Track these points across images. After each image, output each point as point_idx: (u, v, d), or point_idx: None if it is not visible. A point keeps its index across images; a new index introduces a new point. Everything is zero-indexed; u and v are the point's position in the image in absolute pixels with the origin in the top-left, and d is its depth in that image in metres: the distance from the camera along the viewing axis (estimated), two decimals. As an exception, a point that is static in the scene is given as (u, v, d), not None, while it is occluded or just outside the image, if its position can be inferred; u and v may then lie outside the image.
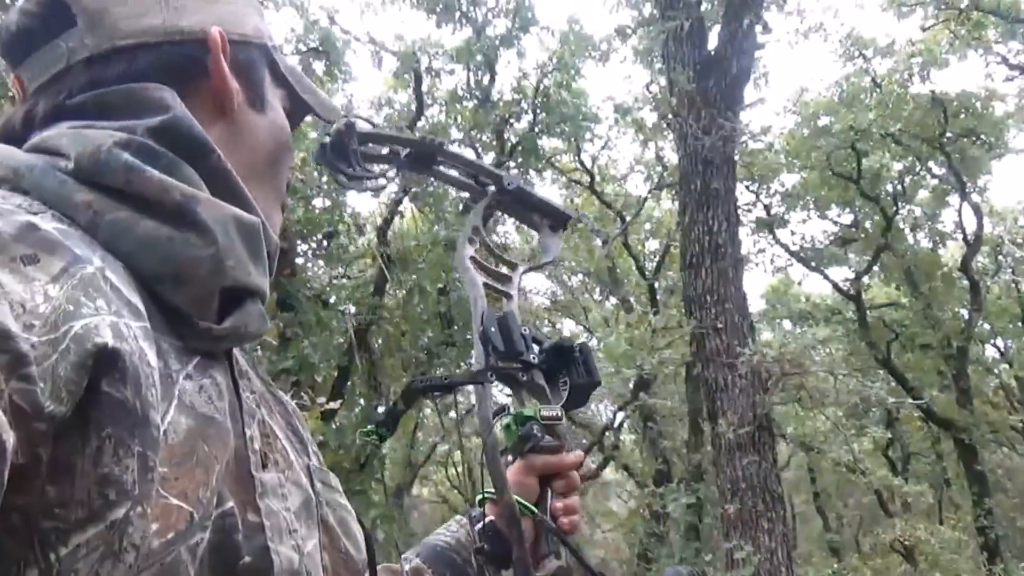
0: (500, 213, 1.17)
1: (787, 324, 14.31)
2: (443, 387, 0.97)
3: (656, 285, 13.67)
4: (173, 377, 0.61)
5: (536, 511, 0.96)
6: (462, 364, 11.28)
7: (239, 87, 0.76)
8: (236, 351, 0.74)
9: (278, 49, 0.82)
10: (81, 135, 0.65)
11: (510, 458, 1.00)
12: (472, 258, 1.06)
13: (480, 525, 0.98)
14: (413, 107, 10.37)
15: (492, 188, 1.14)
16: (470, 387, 0.98)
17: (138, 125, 0.66)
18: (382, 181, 1.07)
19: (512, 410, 0.99)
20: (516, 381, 0.99)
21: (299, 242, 9.62)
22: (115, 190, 0.63)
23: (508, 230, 13.25)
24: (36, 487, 0.51)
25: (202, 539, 0.58)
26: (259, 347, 6.66)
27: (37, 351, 0.50)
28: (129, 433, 0.54)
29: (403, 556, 1.02)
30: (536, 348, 1.02)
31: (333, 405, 6.97)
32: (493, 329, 0.98)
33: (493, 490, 0.96)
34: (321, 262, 10.41)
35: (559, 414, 0.99)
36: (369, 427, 1.01)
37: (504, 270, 1.10)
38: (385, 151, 1.09)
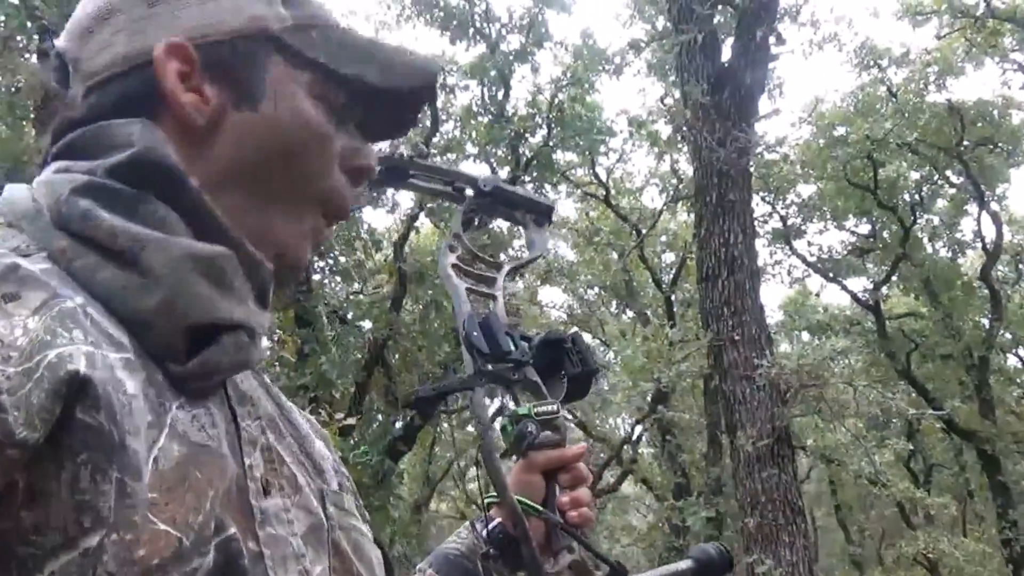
0: (484, 216, 1.15)
1: (805, 336, 14.21)
2: (434, 398, 0.98)
3: (673, 298, 13.64)
4: (166, 406, 0.61)
5: (540, 508, 0.96)
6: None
7: (217, 91, 0.70)
8: (244, 377, 0.74)
9: (310, 26, 0.73)
10: (50, 183, 0.67)
11: (514, 459, 1.00)
12: (454, 265, 1.05)
13: (487, 530, 0.98)
14: (428, 123, 10.44)
15: (470, 192, 1.13)
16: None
17: (99, 166, 0.66)
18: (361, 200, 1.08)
19: (507, 411, 0.99)
20: (508, 381, 0.99)
21: (316, 259, 9.69)
22: (82, 236, 0.64)
23: (524, 244, 13.26)
24: (13, 513, 0.53)
25: (201, 564, 0.58)
26: (277, 363, 6.70)
27: (12, 381, 0.52)
28: (106, 459, 0.55)
29: (416, 568, 1.02)
30: (525, 345, 1.01)
31: (351, 421, 6.99)
32: (476, 333, 0.97)
33: (496, 493, 0.96)
34: (338, 278, 10.48)
35: (555, 408, 0.98)
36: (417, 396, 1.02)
37: (489, 272, 1.09)
38: None
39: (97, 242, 0.63)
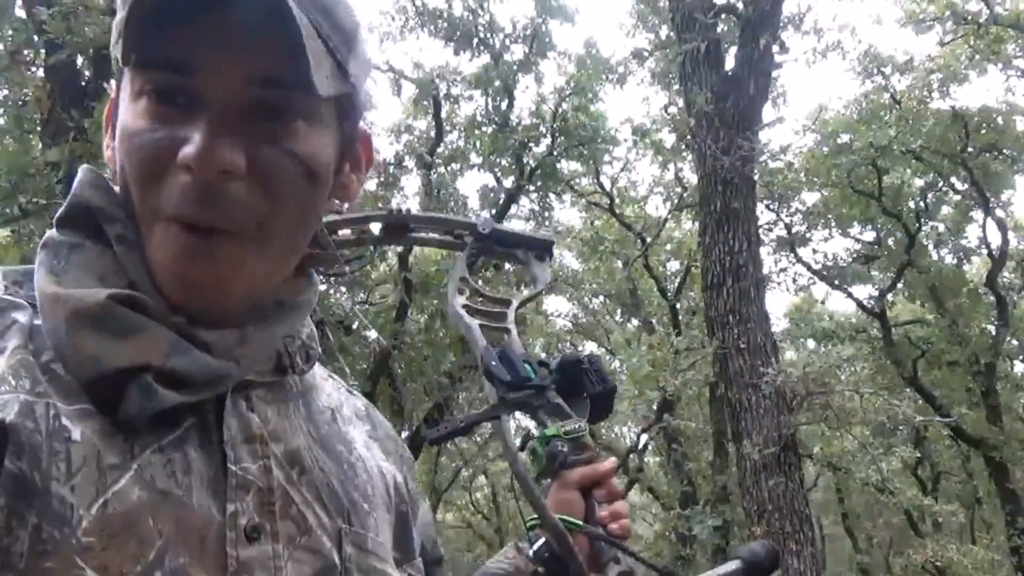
0: (486, 259, 1.17)
1: (811, 343, 14.18)
2: (461, 431, 0.99)
3: (678, 306, 13.63)
4: (135, 451, 0.61)
5: (581, 523, 0.96)
6: (485, 387, 11.28)
7: (111, 134, 0.72)
8: (279, 406, 0.73)
9: (128, 31, 0.63)
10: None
11: (548, 481, 1.01)
12: (465, 306, 1.07)
13: (534, 548, 0.98)
14: (433, 133, 10.48)
15: (469, 238, 1.15)
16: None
17: (57, 217, 0.70)
18: (362, 262, 1.10)
19: (536, 435, 0.99)
20: (532, 407, 1.00)
21: (321, 269, 9.70)
22: None
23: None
24: None
25: None
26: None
27: None
28: (25, 504, 0.55)
29: None
30: (544, 370, 1.02)
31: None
32: (494, 363, 0.98)
33: (536, 515, 0.97)
34: (343, 288, 10.49)
35: (582, 426, 0.99)
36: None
37: (498, 308, 1.11)
38: (353, 235, 1.13)
39: None
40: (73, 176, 0.74)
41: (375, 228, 1.13)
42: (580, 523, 0.96)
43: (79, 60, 6.14)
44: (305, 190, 0.68)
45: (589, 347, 17.18)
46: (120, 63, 0.65)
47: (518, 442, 1.03)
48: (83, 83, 6.19)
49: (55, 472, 0.57)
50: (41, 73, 6.45)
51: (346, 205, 0.83)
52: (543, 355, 1.06)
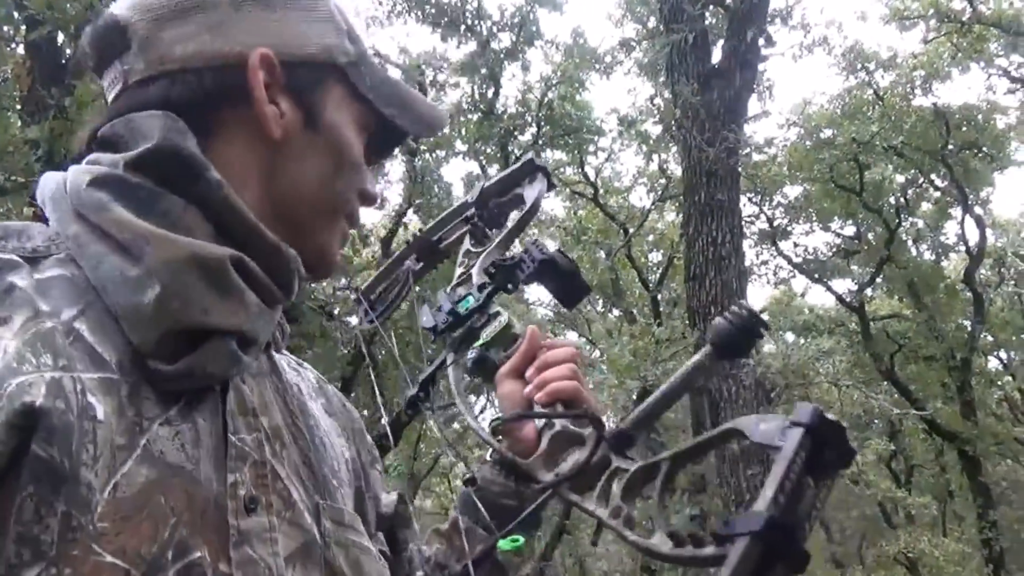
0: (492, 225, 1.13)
1: (790, 336, 14.30)
2: (423, 391, 0.98)
3: (659, 297, 13.69)
4: (143, 426, 0.61)
5: (500, 416, 0.95)
6: (464, 377, 11.29)
7: (292, 108, 0.74)
8: (260, 382, 0.73)
9: (364, 64, 0.80)
10: (76, 172, 0.69)
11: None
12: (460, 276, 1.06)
13: (486, 467, 0.99)
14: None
15: (471, 211, 1.13)
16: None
17: (121, 159, 0.68)
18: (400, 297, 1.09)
19: (469, 357, 0.99)
20: (474, 330, 0.98)
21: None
22: (96, 226, 0.65)
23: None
24: None
25: None
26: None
27: None
28: (54, 492, 0.54)
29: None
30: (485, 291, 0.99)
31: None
32: (425, 318, 1.00)
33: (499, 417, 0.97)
34: (326, 273, 10.45)
35: (501, 320, 0.97)
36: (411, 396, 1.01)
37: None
38: (394, 283, 1.12)
39: (106, 232, 0.64)
40: (53, 154, 0.73)
41: (409, 265, 1.13)
42: (500, 415, 0.95)
43: (60, 37, 6.04)
44: None
45: (570, 336, 17.24)
46: (356, 86, 0.79)
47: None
48: (64, 60, 6.09)
49: (84, 456, 0.56)
50: (21, 50, 6.35)
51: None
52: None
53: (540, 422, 0.91)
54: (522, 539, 0.91)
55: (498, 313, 0.99)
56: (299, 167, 0.75)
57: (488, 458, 1.00)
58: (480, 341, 0.97)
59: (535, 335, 0.98)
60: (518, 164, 1.15)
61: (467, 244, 1.10)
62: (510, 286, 1.00)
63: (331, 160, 0.77)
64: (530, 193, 1.11)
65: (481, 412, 17.51)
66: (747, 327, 0.74)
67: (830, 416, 0.61)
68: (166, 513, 0.59)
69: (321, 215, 0.78)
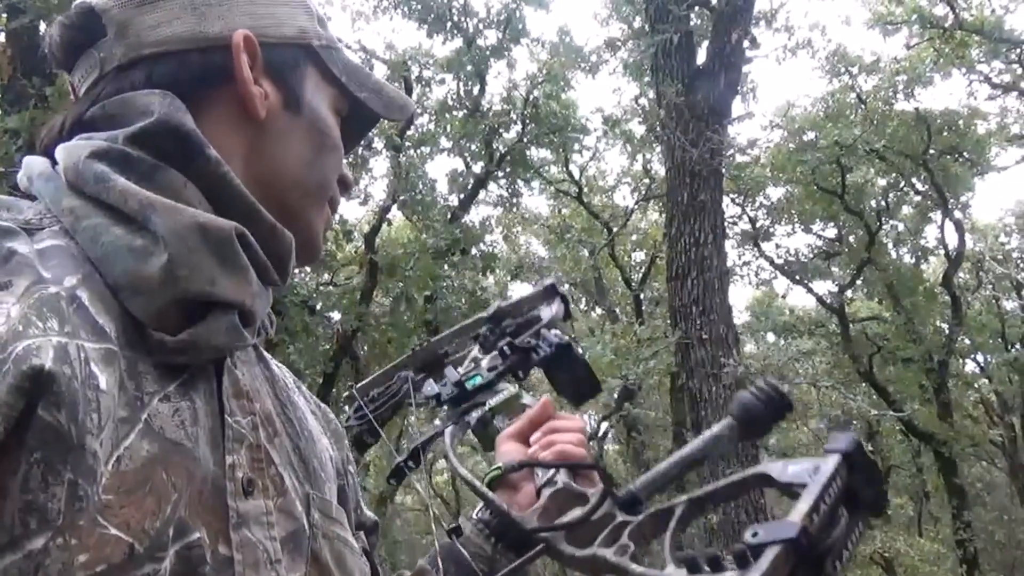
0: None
1: (771, 336, 14.40)
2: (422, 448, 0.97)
3: (642, 296, 13.74)
4: (144, 400, 0.60)
5: (499, 467, 0.94)
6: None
7: (273, 90, 0.75)
8: (249, 370, 0.73)
9: (334, 48, 0.80)
10: (70, 147, 0.68)
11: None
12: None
13: (478, 517, 0.97)
14: (403, 115, 10.40)
15: (485, 328, 1.10)
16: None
17: (119, 134, 0.67)
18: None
19: (473, 423, 0.99)
20: (479, 404, 0.98)
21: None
22: (94, 198, 0.64)
23: (496, 239, 13.30)
24: None
25: (156, 571, 0.56)
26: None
27: None
28: (61, 460, 0.53)
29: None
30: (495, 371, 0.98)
31: (329, 410, 6.98)
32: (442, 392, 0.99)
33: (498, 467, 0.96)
34: (308, 268, 10.41)
35: (509, 390, 0.98)
36: (396, 465, 0.99)
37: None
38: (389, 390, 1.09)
39: (108, 203, 0.64)
40: (34, 144, 0.72)
41: (409, 375, 1.08)
42: (499, 466, 0.93)
43: (42, 26, 5.99)
44: None
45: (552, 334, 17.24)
46: (329, 68, 0.79)
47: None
48: (46, 49, 6.04)
49: (89, 424, 0.55)
50: (2, 38, 6.29)
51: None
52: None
53: (541, 479, 0.89)
54: None
55: (508, 392, 0.98)
56: (282, 148, 0.75)
57: (474, 515, 0.98)
58: (488, 407, 0.97)
59: (548, 404, 0.99)
60: (539, 288, 1.12)
61: (475, 352, 1.07)
62: (521, 373, 0.99)
63: (312, 142, 0.77)
64: (546, 313, 1.08)
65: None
66: (774, 405, 0.68)
67: (868, 450, 0.58)
68: (168, 489, 0.58)
69: (306, 197, 0.78)
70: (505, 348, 0.99)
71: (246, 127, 0.73)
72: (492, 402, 0.97)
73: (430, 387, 1.00)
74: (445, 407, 1.00)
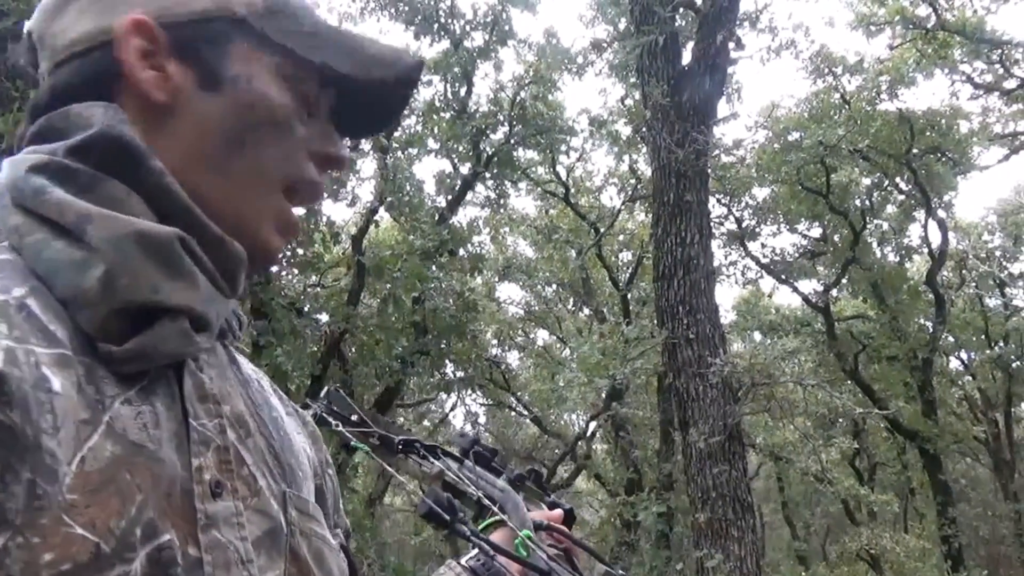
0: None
1: (757, 335, 14.48)
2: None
3: (629, 296, 13.79)
4: (105, 403, 0.59)
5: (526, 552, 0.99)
6: (436, 372, 11.30)
7: (182, 70, 0.70)
8: (218, 374, 0.72)
9: (279, 11, 0.73)
10: (13, 162, 0.67)
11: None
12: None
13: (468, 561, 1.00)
14: (390, 117, 10.40)
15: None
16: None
17: (60, 147, 0.65)
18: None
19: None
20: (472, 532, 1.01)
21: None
22: (36, 213, 0.63)
23: (484, 240, 13.31)
24: None
25: (126, 572, 0.56)
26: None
27: None
28: (18, 459, 0.53)
29: None
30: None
31: (306, 414, 6.96)
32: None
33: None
34: (295, 270, 10.40)
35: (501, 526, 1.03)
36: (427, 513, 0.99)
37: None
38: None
39: (48, 218, 0.63)
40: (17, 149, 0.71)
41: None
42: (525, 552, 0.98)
43: (26, 27, 5.96)
44: None
45: (541, 335, 17.26)
46: (268, 36, 0.72)
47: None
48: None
49: (44, 424, 0.55)
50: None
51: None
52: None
53: None
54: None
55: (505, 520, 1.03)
56: (198, 132, 0.70)
57: (464, 562, 0.99)
58: (470, 558, 1.00)
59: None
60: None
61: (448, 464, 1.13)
62: None
63: (240, 119, 0.70)
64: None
65: (452, 409, 17.45)
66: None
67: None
68: (133, 490, 0.58)
69: (240, 188, 0.70)
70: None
71: (152, 119, 0.69)
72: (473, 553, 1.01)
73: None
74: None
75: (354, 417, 1.12)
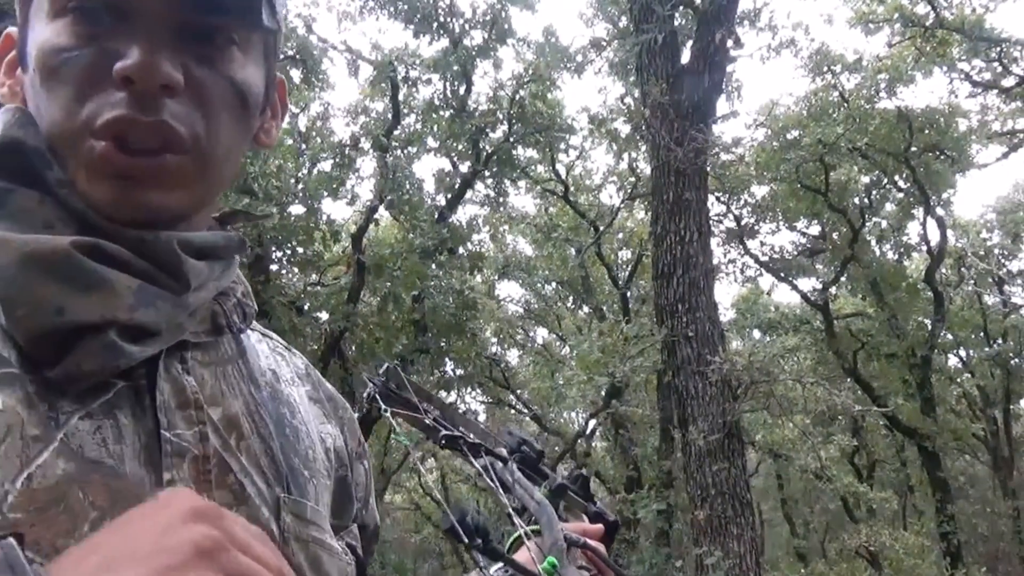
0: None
1: (756, 333, 14.51)
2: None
3: (628, 294, 13.82)
4: (59, 420, 0.57)
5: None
6: (436, 370, 11.33)
7: (16, 62, 0.69)
8: (215, 371, 0.70)
9: None
10: None
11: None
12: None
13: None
14: (389, 116, 10.43)
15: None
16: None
17: None
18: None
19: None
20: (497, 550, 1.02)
21: (273, 249, 9.62)
22: None
23: (483, 239, 13.34)
24: None
25: None
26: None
27: None
28: None
29: None
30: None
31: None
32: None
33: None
34: (296, 269, 10.42)
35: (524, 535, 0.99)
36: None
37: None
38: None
39: None
40: None
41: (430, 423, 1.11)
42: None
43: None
44: (239, 117, 0.67)
45: (540, 333, 17.28)
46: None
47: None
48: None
49: None
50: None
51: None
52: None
53: None
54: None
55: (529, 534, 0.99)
56: (38, 114, 0.65)
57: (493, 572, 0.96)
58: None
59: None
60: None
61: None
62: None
63: (39, 87, 0.63)
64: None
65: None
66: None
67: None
68: (85, 508, 0.56)
69: (69, 156, 0.63)
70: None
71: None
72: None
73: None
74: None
75: (411, 398, 1.12)
